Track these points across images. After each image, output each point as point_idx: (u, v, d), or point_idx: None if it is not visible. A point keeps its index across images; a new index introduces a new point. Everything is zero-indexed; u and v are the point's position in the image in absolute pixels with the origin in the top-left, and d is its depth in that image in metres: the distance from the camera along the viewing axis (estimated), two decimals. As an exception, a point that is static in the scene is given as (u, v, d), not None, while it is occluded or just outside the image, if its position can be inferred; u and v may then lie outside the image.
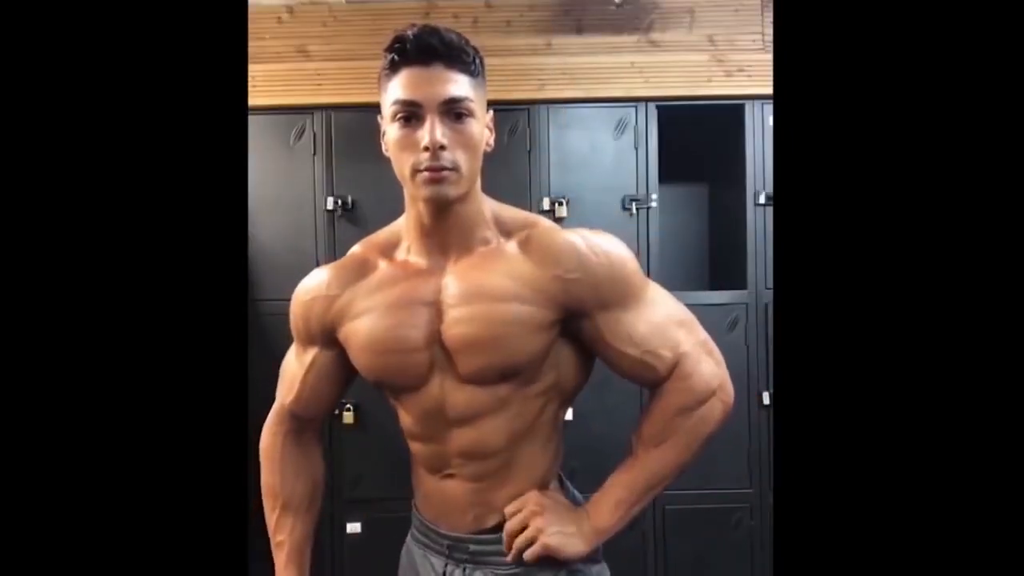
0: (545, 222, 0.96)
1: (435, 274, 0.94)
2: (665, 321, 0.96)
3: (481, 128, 0.91)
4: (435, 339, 0.93)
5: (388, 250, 1.00)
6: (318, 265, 2.45)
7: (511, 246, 0.93)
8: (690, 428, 0.93)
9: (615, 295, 0.92)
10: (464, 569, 0.98)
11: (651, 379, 0.96)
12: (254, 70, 2.23)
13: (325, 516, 2.24)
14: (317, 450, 1.13)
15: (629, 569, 2.26)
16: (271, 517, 1.09)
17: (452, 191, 0.88)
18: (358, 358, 0.98)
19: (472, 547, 0.97)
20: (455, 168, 0.87)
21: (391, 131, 0.89)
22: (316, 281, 1.01)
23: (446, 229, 0.93)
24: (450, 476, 0.98)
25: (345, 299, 0.98)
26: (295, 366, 1.07)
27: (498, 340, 0.89)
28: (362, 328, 0.96)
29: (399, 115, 0.87)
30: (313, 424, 1.11)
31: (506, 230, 0.95)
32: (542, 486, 0.98)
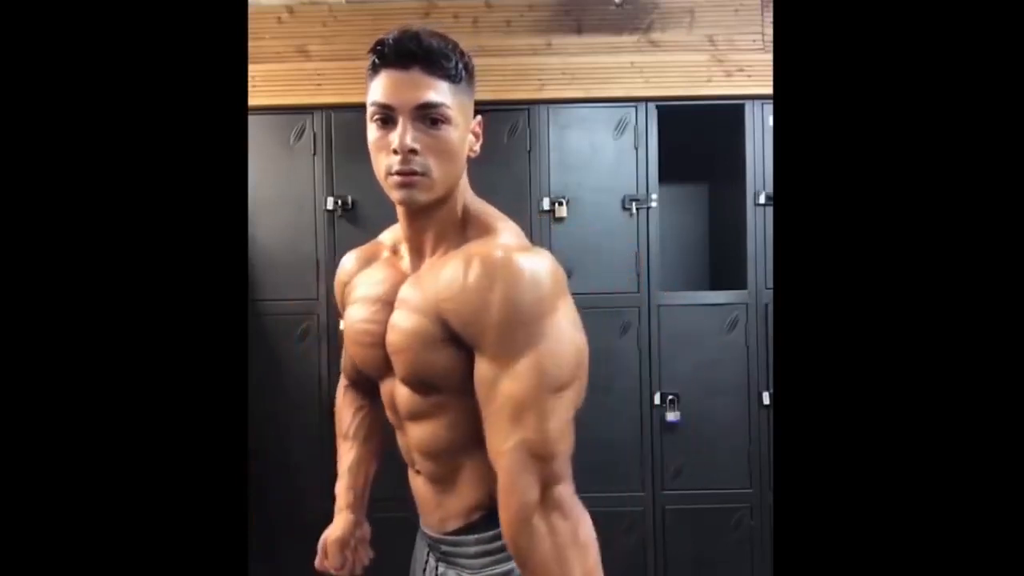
0: (497, 230, 0.92)
1: (407, 275, 0.97)
2: (512, 395, 0.80)
3: (461, 135, 0.90)
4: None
5: (399, 240, 1.04)
6: (318, 265, 2.44)
7: (456, 255, 0.88)
8: (543, 563, 0.79)
9: (483, 340, 0.82)
10: (438, 566, 1.01)
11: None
12: (254, 70, 2.23)
13: (324, 516, 2.24)
14: (377, 398, 1.14)
15: (629, 569, 2.26)
16: (339, 450, 1.20)
17: (422, 196, 0.88)
18: (345, 342, 1.07)
19: (443, 548, 1.00)
20: (425, 173, 0.87)
21: (369, 132, 0.90)
22: (343, 263, 1.11)
23: (421, 233, 0.94)
24: (418, 472, 1.02)
25: (353, 283, 1.06)
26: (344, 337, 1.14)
27: (405, 350, 0.90)
28: (349, 313, 1.04)
29: (375, 117, 0.88)
30: (365, 386, 1.18)
31: (467, 234, 0.93)
32: (492, 501, 0.92)
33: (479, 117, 0.95)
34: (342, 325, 1.11)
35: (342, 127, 2.27)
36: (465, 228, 0.95)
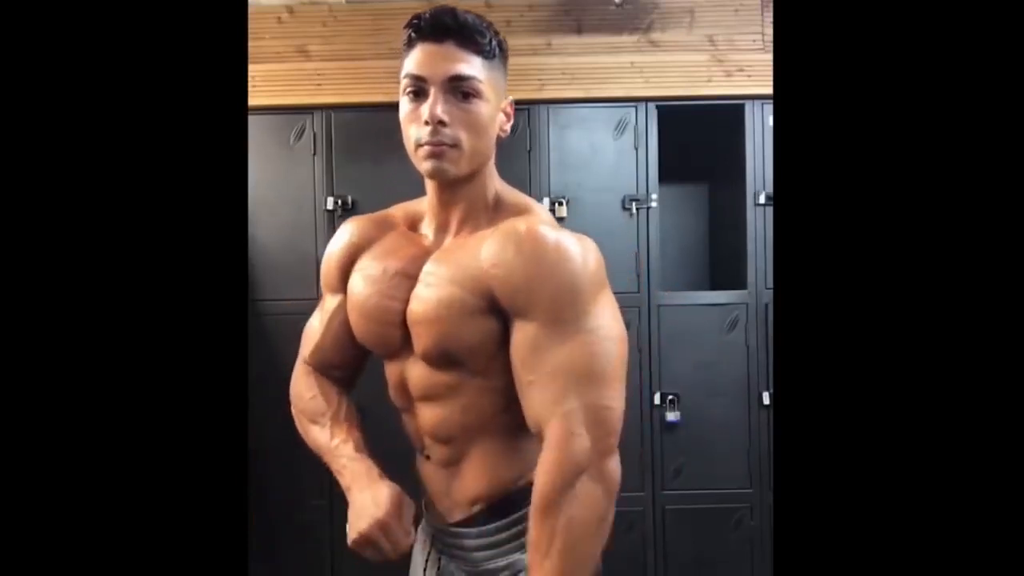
0: (535, 211, 0.95)
1: (431, 251, 0.96)
2: (570, 364, 0.82)
3: (492, 111, 0.91)
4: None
5: (415, 218, 1.03)
6: (318, 266, 2.44)
7: (489, 231, 0.90)
8: (570, 526, 0.79)
9: (532, 307, 0.84)
10: (440, 559, 1.00)
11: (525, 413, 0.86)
12: (254, 70, 2.23)
13: (324, 516, 2.24)
14: (348, 388, 1.08)
15: (629, 569, 2.26)
16: (318, 431, 1.02)
17: (451, 168, 0.89)
18: (349, 315, 1.01)
19: (447, 539, 0.99)
20: (456, 145, 0.88)
21: (401, 104, 0.91)
22: (343, 229, 1.05)
23: (450, 208, 0.95)
24: (427, 458, 1.00)
25: (360, 250, 1.01)
26: (317, 320, 1.08)
27: (437, 321, 0.89)
28: (357, 284, 0.99)
29: (408, 89, 0.89)
30: (335, 374, 1.07)
31: (499, 215, 0.94)
32: (502, 489, 0.95)
33: (510, 98, 0.96)
34: (330, 301, 1.04)
35: (342, 127, 2.27)
36: (496, 210, 0.95)
